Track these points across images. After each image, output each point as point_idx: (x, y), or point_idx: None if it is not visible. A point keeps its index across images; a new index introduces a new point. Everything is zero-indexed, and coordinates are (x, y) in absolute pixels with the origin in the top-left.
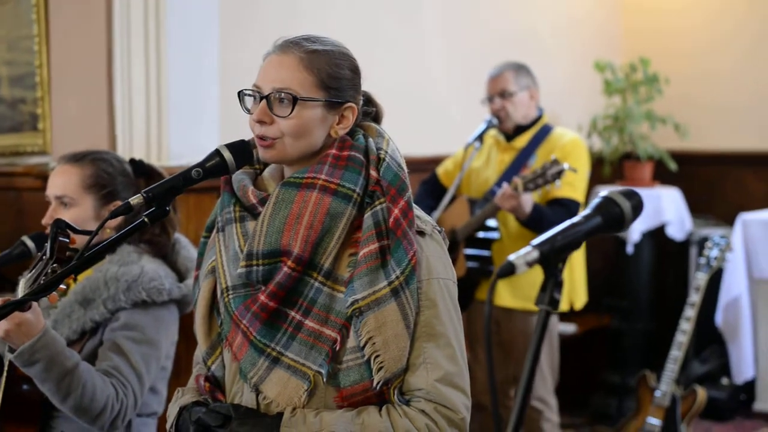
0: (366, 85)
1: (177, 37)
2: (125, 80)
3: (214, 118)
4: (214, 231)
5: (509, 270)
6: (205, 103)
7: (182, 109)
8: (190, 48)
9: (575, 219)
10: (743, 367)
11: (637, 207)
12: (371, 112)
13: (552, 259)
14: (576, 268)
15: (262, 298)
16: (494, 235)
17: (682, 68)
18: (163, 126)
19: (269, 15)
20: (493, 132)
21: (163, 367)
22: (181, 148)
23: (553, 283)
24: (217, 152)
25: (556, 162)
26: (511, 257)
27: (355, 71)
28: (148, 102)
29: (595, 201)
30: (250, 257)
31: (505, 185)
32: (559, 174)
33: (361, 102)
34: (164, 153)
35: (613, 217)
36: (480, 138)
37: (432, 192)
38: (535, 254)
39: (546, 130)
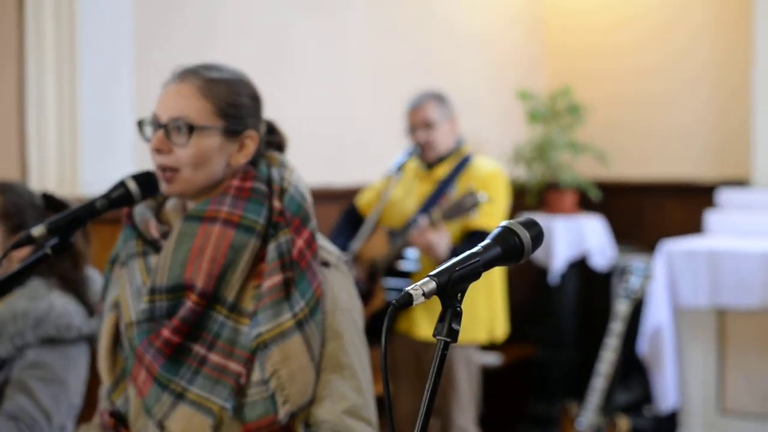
0: (287, 114)
1: (90, 64)
2: (37, 108)
3: (127, 147)
4: (118, 265)
5: (407, 301)
6: (118, 131)
7: (95, 137)
8: (104, 75)
9: (475, 249)
10: (666, 395)
11: (537, 237)
12: (274, 141)
13: (450, 290)
14: (496, 300)
15: (166, 333)
16: (415, 266)
17: (605, 96)
18: (76, 154)
19: (184, 42)
20: (413, 162)
21: (72, 404)
22: (94, 176)
23: (451, 314)
24: (122, 183)
25: (472, 193)
26: (408, 288)
27: (255, 99)
28: (60, 130)
29: (494, 231)
30: (153, 292)
31: (423, 220)
32: (475, 205)
33: (263, 130)
34: (77, 181)
35: (513, 247)
36: (400, 168)
37: (351, 222)
38: (432, 285)
39: (466, 160)
